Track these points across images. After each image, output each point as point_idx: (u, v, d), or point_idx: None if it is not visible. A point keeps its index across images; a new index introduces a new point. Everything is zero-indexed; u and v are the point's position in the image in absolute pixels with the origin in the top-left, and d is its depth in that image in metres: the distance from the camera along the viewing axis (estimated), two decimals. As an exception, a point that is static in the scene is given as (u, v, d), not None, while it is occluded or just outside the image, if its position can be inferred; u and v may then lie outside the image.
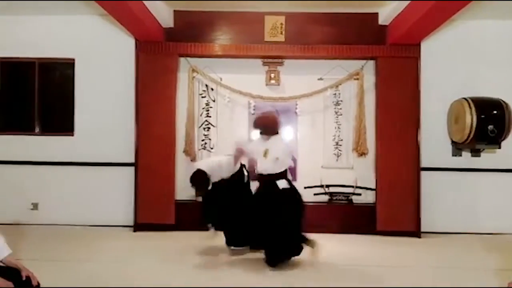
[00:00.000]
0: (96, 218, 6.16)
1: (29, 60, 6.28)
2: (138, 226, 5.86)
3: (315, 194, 6.05)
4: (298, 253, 4.38)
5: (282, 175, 4.43)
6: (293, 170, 5.94)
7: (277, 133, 4.62)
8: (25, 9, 5.98)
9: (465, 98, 5.76)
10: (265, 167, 4.45)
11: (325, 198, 6.08)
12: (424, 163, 5.93)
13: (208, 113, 6.25)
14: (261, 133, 4.64)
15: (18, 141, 6.28)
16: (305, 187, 5.98)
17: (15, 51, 6.28)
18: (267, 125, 4.61)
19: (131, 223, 5.92)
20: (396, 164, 5.83)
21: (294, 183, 4.60)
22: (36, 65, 6.29)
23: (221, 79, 6.15)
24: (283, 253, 4.33)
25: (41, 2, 5.67)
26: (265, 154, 4.44)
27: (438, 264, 4.61)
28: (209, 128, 6.25)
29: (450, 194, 6.13)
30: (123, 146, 6.13)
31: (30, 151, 6.24)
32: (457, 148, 6.12)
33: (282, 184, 4.39)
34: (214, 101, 6.25)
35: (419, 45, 5.85)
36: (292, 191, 4.47)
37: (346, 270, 4.27)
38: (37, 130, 6.32)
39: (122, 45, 6.14)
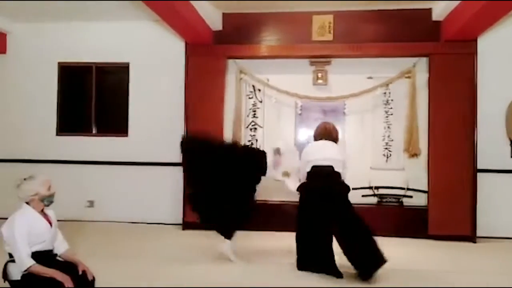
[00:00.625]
0: (147, 216, 6.38)
1: (87, 64, 6.62)
2: (187, 224, 5.99)
3: (363, 196, 5.92)
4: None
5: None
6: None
7: (319, 139, 4.52)
8: (82, 15, 6.30)
9: (526, 96, 5.43)
10: None
11: (374, 200, 5.93)
12: (480, 164, 5.64)
13: (255, 114, 6.29)
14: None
15: (76, 142, 6.62)
16: (353, 188, 5.85)
17: (74, 56, 6.63)
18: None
19: (180, 221, 6.07)
20: (450, 165, 5.59)
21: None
22: (93, 69, 6.61)
23: (268, 80, 6.17)
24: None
25: (98, 8, 5.95)
26: None
27: (493, 270, 4.39)
28: (255, 128, 6.29)
29: (508, 197, 5.80)
30: (173, 147, 6.24)
31: (87, 151, 6.57)
32: (517, 149, 5.79)
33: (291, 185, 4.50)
34: (261, 101, 6.29)
35: (475, 41, 5.59)
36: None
37: (394, 274, 4.14)
38: (93, 131, 6.64)
39: (173, 49, 6.32)
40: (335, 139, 4.49)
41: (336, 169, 4.22)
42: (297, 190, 4.37)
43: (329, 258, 4.02)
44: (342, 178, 4.29)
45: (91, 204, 6.53)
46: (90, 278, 2.83)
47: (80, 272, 2.81)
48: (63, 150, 6.60)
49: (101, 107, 6.66)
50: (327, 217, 4.05)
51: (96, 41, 6.59)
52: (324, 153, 4.29)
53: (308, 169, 4.26)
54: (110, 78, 6.72)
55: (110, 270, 3.95)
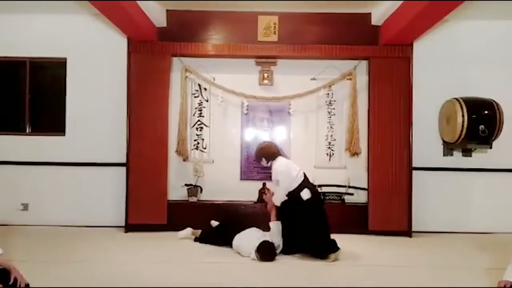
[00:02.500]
0: (87, 219, 6.11)
1: (20, 59, 6.23)
2: (130, 226, 5.82)
3: (308, 194, 6.05)
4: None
5: (302, 186, 4.64)
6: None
7: (275, 158, 4.83)
8: (16, 7, 5.93)
9: (456, 98, 5.80)
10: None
11: (318, 198, 6.09)
12: (415, 163, 5.96)
13: (201, 113, 6.23)
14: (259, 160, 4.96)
15: (8, 141, 6.21)
16: (298, 187, 6.00)
17: (6, 50, 6.21)
18: (262, 151, 4.91)
19: (123, 223, 5.88)
20: (388, 164, 5.86)
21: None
22: (27, 65, 6.23)
23: (214, 79, 6.14)
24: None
25: (32, 1, 5.62)
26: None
27: (429, 263, 4.62)
28: (202, 128, 6.24)
29: (441, 194, 6.18)
30: (115, 146, 6.09)
31: (21, 151, 6.18)
32: (449, 148, 6.17)
33: (305, 194, 4.61)
34: (207, 101, 6.24)
35: (411, 45, 5.88)
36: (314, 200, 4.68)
37: (338, 270, 4.27)
38: (27, 130, 6.27)
39: (115, 45, 6.11)
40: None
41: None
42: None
43: None
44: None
45: (25, 207, 6.16)
46: (22, 285, 2.66)
47: (12, 279, 2.63)
48: (-6, 150, 6.17)
49: (35, 104, 6.29)
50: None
51: (30, 34, 6.21)
52: (295, 166, 4.79)
53: (298, 183, 4.64)
54: (46, 73, 6.34)
55: (46, 276, 3.77)
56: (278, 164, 4.75)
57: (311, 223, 4.58)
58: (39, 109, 6.31)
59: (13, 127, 6.27)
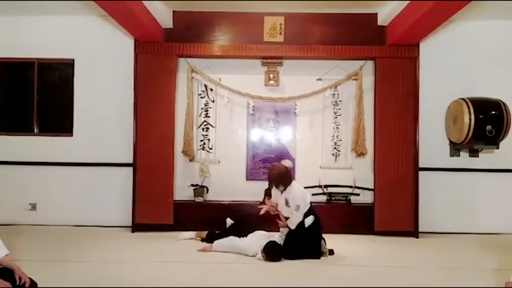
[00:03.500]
0: (94, 219, 6.16)
1: (29, 60, 6.29)
2: (136, 226, 5.85)
3: (313, 194, 6.03)
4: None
5: (308, 213, 4.71)
6: (291, 170, 5.97)
7: (291, 182, 4.80)
8: (24, 9, 5.98)
9: (463, 99, 5.78)
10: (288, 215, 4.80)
11: (324, 198, 6.09)
12: (422, 163, 5.93)
13: (207, 114, 6.26)
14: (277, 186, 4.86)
15: (17, 142, 6.28)
16: (303, 187, 6.00)
17: (15, 52, 6.28)
18: (281, 178, 4.81)
19: (130, 223, 5.91)
20: (395, 164, 5.84)
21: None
22: (35, 66, 6.29)
23: (220, 79, 6.16)
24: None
25: (40, 2, 5.67)
26: (287, 203, 4.75)
27: (436, 264, 4.61)
28: (208, 128, 6.26)
29: (448, 194, 6.15)
30: (122, 147, 6.13)
31: (29, 151, 6.24)
32: (455, 148, 6.14)
33: (308, 221, 4.69)
34: (213, 101, 6.26)
35: (417, 45, 5.87)
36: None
37: (344, 270, 4.27)
38: (35, 130, 6.33)
39: (121, 46, 6.15)
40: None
41: None
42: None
43: None
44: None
45: (33, 207, 6.21)
46: (26, 285, 2.69)
47: (17, 280, 2.67)
48: (3, 150, 6.23)
49: (43, 105, 6.35)
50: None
51: (38, 36, 6.27)
52: (309, 194, 4.88)
53: (308, 208, 4.72)
54: (54, 74, 6.41)
55: (53, 275, 3.80)
56: (297, 189, 4.79)
57: (307, 244, 4.69)
58: (47, 109, 6.37)
59: (21, 127, 6.34)
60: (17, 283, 2.65)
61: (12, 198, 6.10)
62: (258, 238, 4.76)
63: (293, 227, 4.71)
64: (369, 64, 6.09)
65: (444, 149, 6.19)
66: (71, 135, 6.27)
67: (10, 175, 6.20)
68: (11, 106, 6.39)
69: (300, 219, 4.68)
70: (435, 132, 6.14)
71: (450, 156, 6.20)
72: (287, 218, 4.78)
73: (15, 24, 6.27)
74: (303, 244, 4.67)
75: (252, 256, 4.62)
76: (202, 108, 6.26)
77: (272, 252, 4.51)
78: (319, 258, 4.66)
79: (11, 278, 2.63)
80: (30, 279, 2.75)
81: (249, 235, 4.87)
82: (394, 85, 5.87)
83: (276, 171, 4.82)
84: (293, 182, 4.83)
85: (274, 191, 4.95)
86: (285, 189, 4.77)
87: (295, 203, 4.66)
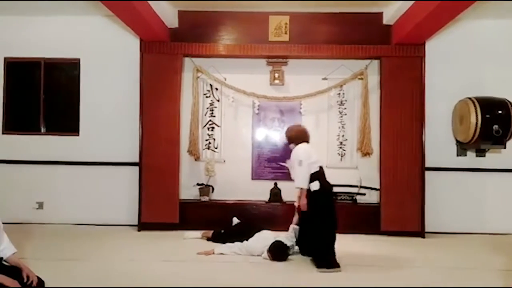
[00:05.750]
0: (101, 217, 6.19)
1: (35, 60, 6.33)
2: (143, 225, 5.88)
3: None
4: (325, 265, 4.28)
5: (314, 177, 4.48)
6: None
7: (302, 142, 4.68)
8: (31, 9, 6.02)
9: (470, 98, 5.74)
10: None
11: (329, 198, 6.07)
12: (428, 163, 5.91)
13: (212, 113, 6.27)
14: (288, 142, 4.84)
15: (24, 141, 6.32)
16: (309, 187, 6.00)
17: (21, 51, 6.32)
18: (292, 133, 4.78)
19: (136, 222, 5.94)
20: (401, 164, 5.82)
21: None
22: (42, 65, 6.33)
23: (225, 79, 6.17)
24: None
25: (46, 2, 5.70)
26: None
27: (443, 264, 4.59)
28: (213, 128, 6.27)
29: (454, 194, 6.11)
30: (128, 146, 6.16)
31: (36, 150, 6.29)
32: (462, 148, 6.11)
33: (314, 186, 4.45)
34: (218, 101, 6.27)
35: (423, 44, 5.84)
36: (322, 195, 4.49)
37: (350, 270, 4.26)
38: (42, 130, 6.36)
39: (127, 45, 6.17)
40: None
41: None
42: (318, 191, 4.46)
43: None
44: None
45: (41, 206, 6.26)
46: (34, 283, 2.71)
47: (25, 278, 2.69)
48: (10, 150, 6.28)
49: (50, 104, 6.38)
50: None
51: (45, 35, 6.31)
52: (316, 155, 4.63)
53: (314, 170, 4.49)
54: (60, 74, 6.43)
55: (60, 274, 3.83)
56: (300, 147, 4.61)
57: (316, 218, 4.41)
58: (54, 109, 6.40)
59: (28, 127, 6.38)
60: (25, 281, 2.67)
61: (19, 197, 6.14)
62: (264, 238, 4.76)
63: (298, 184, 4.47)
64: (375, 64, 6.07)
65: (450, 148, 6.16)
66: (78, 135, 6.31)
67: (18, 174, 6.25)
68: (18, 106, 6.42)
69: (305, 176, 4.44)
70: (441, 132, 6.11)
71: (457, 156, 6.16)
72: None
73: (22, 24, 6.31)
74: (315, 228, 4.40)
75: (257, 255, 4.63)
76: (207, 108, 6.27)
77: (277, 252, 4.51)
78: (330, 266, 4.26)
79: (19, 276, 2.66)
80: (38, 277, 2.78)
81: (256, 234, 4.87)
82: (400, 84, 5.85)
83: (291, 127, 4.93)
84: (304, 143, 4.65)
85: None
86: (293, 146, 4.69)
87: (297, 159, 4.50)
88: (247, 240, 4.80)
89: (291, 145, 4.73)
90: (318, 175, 4.50)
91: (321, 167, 4.57)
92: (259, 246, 4.67)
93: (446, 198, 6.10)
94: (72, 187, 6.27)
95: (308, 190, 4.45)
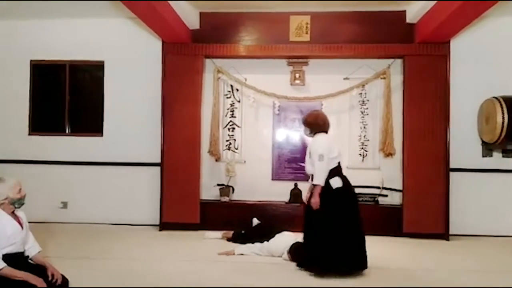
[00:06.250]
0: (124, 217, 6.28)
1: (60, 62, 6.46)
2: (164, 225, 5.94)
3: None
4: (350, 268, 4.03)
5: (333, 172, 4.11)
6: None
7: (321, 131, 4.25)
8: (56, 12, 6.15)
9: (496, 97, 5.60)
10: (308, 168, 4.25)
11: (351, 199, 6.00)
12: (453, 163, 5.78)
13: (233, 114, 6.28)
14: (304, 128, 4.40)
15: (49, 142, 6.47)
16: (330, 188, 5.95)
17: (47, 54, 6.47)
18: (309, 119, 4.33)
19: (157, 222, 6.00)
20: (424, 165, 5.71)
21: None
22: (66, 67, 6.46)
23: (245, 79, 6.18)
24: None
25: (71, 5, 5.82)
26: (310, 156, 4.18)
27: (467, 267, 4.49)
28: (234, 128, 6.28)
29: (480, 196, 5.97)
30: (150, 147, 6.22)
31: (61, 151, 6.42)
32: (488, 148, 5.95)
33: (335, 183, 4.09)
34: (239, 101, 6.28)
35: (448, 43, 5.72)
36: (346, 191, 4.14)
37: (371, 272, 4.20)
38: (67, 130, 6.50)
39: (150, 47, 6.24)
40: None
41: None
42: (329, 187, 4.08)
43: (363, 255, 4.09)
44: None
45: (65, 205, 6.39)
46: (59, 281, 2.76)
47: (50, 276, 2.75)
48: (36, 150, 6.43)
49: (75, 106, 6.51)
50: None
51: (69, 38, 6.44)
52: (337, 148, 4.23)
53: (333, 166, 4.11)
54: (84, 76, 6.57)
55: (84, 272, 3.90)
56: (321, 138, 4.19)
57: (338, 221, 3.98)
58: (78, 110, 6.53)
59: (54, 128, 6.52)
60: (50, 279, 2.73)
61: (44, 196, 6.27)
62: (285, 239, 4.75)
63: (317, 181, 4.02)
64: (398, 63, 5.97)
65: (476, 149, 6.01)
66: (101, 135, 6.42)
67: (43, 174, 6.39)
68: (43, 107, 6.57)
69: (325, 172, 4.03)
70: (467, 132, 5.97)
71: (483, 156, 6.01)
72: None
73: (47, 27, 6.46)
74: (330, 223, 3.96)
75: (278, 256, 4.62)
76: (228, 109, 6.29)
77: (298, 253, 4.49)
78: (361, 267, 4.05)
79: (44, 274, 2.72)
80: (62, 276, 2.83)
81: (276, 235, 4.86)
82: (424, 83, 5.74)
83: (311, 112, 4.45)
84: (323, 133, 4.22)
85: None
86: (311, 135, 4.28)
87: (317, 153, 4.04)
88: (267, 241, 4.79)
89: (309, 133, 4.32)
90: (338, 172, 4.14)
91: (339, 163, 4.20)
92: (280, 247, 4.66)
93: (471, 200, 5.95)
94: (95, 187, 6.38)
95: (326, 187, 4.06)
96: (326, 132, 4.28)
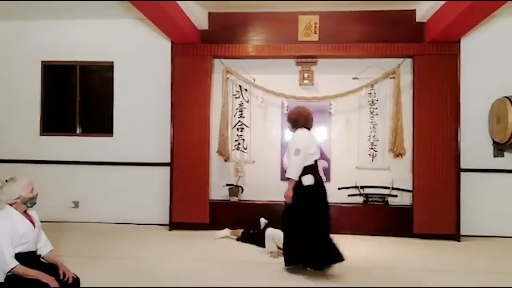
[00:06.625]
0: (134, 217, 6.33)
1: (71, 63, 6.53)
2: (174, 224, 5.97)
3: (349, 195, 5.97)
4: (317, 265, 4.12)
5: (307, 170, 4.14)
6: (326, 170, 5.91)
7: (303, 127, 4.32)
8: (67, 14, 6.22)
9: (507, 97, 5.54)
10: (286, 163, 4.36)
11: (360, 199, 5.98)
12: (464, 164, 5.73)
13: (241, 114, 6.29)
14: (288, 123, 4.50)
15: (60, 142, 6.53)
16: (339, 188, 5.94)
17: (58, 55, 6.54)
18: (292, 116, 4.43)
19: (167, 221, 6.04)
20: (434, 165, 5.67)
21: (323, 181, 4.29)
22: (77, 68, 6.52)
23: (254, 79, 6.18)
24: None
25: (81, 7, 5.88)
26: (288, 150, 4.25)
27: (478, 268, 4.45)
28: (242, 128, 6.29)
29: (491, 196, 5.90)
30: (160, 147, 6.26)
31: (72, 151, 6.49)
32: (499, 148, 5.89)
33: (307, 180, 4.12)
34: (247, 101, 6.29)
35: (458, 42, 5.67)
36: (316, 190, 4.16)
37: (381, 273, 4.18)
38: (78, 131, 6.56)
39: (159, 48, 6.28)
40: None
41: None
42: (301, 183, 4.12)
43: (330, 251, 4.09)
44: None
45: (76, 205, 6.46)
46: (70, 280, 2.80)
47: (61, 275, 2.78)
48: (47, 150, 6.51)
49: (85, 106, 6.58)
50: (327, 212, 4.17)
51: (80, 39, 6.51)
52: (316, 145, 4.30)
53: (309, 163, 4.15)
54: (95, 77, 6.63)
55: (95, 271, 3.94)
56: (300, 133, 4.25)
57: (301, 215, 4.06)
58: (89, 111, 6.59)
59: (65, 128, 6.59)
60: (61, 278, 2.76)
61: (56, 196, 6.33)
62: None
63: (291, 175, 4.09)
64: (407, 62, 5.94)
65: (487, 149, 5.95)
66: (111, 135, 6.47)
67: (54, 174, 6.46)
68: (54, 108, 6.65)
69: (300, 167, 4.08)
70: (477, 132, 5.91)
71: (494, 156, 5.94)
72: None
73: (58, 28, 6.52)
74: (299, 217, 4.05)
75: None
76: (236, 109, 6.30)
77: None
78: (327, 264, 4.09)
79: (55, 273, 2.75)
80: (73, 274, 2.86)
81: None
82: (434, 83, 5.70)
83: (294, 109, 4.50)
84: (304, 129, 4.29)
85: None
86: (293, 130, 4.36)
87: (295, 146, 4.12)
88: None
89: (291, 128, 4.41)
90: (312, 169, 4.16)
91: (316, 161, 4.22)
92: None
93: (482, 200, 5.89)
94: (106, 187, 6.43)
95: (299, 183, 4.10)
96: (308, 128, 4.36)
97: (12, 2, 5.67)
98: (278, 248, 4.71)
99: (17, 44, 6.60)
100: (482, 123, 5.93)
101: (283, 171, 6.10)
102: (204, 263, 4.46)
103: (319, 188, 4.18)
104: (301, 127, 4.31)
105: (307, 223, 4.06)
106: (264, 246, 4.97)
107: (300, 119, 4.34)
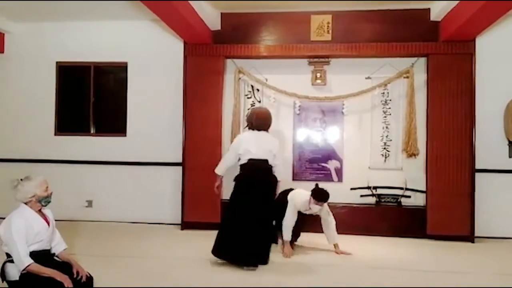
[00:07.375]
0: (146, 216, 6.38)
1: (85, 64, 6.61)
2: (186, 224, 6.00)
3: (361, 196, 5.93)
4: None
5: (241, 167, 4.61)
6: (339, 170, 5.90)
7: (249, 128, 4.76)
8: (81, 15, 6.30)
9: (524, 96, 5.45)
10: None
11: (373, 200, 5.94)
12: (479, 164, 5.65)
13: (254, 114, 6.28)
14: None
15: (75, 141, 6.62)
16: (351, 189, 5.90)
17: (72, 56, 6.62)
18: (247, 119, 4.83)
19: (179, 221, 6.07)
20: (449, 165, 5.60)
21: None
22: (91, 69, 6.60)
23: (266, 79, 6.17)
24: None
25: (96, 8, 5.94)
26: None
27: (493, 270, 4.38)
28: (254, 128, 6.28)
29: (506, 197, 5.81)
30: (172, 146, 6.30)
31: (86, 151, 6.56)
32: (515, 149, 5.80)
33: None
34: (259, 101, 6.29)
35: (473, 41, 5.59)
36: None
37: (394, 275, 4.15)
38: (92, 131, 6.63)
39: (172, 48, 6.32)
40: (268, 128, 4.73)
41: (270, 163, 4.57)
42: (234, 180, 4.59)
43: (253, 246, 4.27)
44: (275, 171, 4.66)
45: (90, 204, 6.53)
46: (83, 279, 2.83)
47: (75, 273, 2.81)
48: (62, 150, 6.59)
49: (99, 106, 6.65)
50: (253, 206, 4.36)
51: (94, 40, 6.58)
52: (261, 146, 4.54)
53: (244, 162, 4.53)
54: (109, 77, 6.71)
55: (108, 270, 3.98)
56: (242, 133, 4.76)
57: (230, 211, 4.50)
58: (103, 111, 6.66)
59: (79, 128, 6.67)
60: (75, 276, 2.79)
61: (70, 195, 6.41)
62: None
63: (216, 170, 4.80)
64: (421, 61, 5.87)
65: (502, 149, 5.86)
66: (125, 136, 6.53)
67: (69, 174, 6.54)
68: (69, 108, 6.73)
69: (226, 163, 4.70)
70: (493, 132, 5.83)
71: (509, 157, 5.85)
72: None
73: (72, 29, 6.60)
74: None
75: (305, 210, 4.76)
76: (248, 109, 6.29)
77: None
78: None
79: (69, 271, 2.78)
80: (87, 273, 2.89)
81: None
82: (448, 82, 5.63)
83: (251, 109, 4.99)
84: (250, 130, 4.72)
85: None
86: (245, 129, 4.85)
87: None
88: None
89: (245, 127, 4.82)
90: (244, 167, 4.54)
91: (251, 160, 4.50)
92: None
93: (497, 202, 5.80)
94: (119, 186, 6.49)
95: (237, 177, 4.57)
96: (254, 129, 4.66)
97: (30, 2, 5.74)
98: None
99: (32, 45, 6.70)
100: (497, 123, 5.84)
101: (295, 172, 6.15)
102: (216, 263, 4.46)
103: (246, 185, 4.47)
104: (249, 128, 4.72)
105: (226, 215, 4.55)
106: (276, 243, 4.97)
107: (249, 121, 4.75)
